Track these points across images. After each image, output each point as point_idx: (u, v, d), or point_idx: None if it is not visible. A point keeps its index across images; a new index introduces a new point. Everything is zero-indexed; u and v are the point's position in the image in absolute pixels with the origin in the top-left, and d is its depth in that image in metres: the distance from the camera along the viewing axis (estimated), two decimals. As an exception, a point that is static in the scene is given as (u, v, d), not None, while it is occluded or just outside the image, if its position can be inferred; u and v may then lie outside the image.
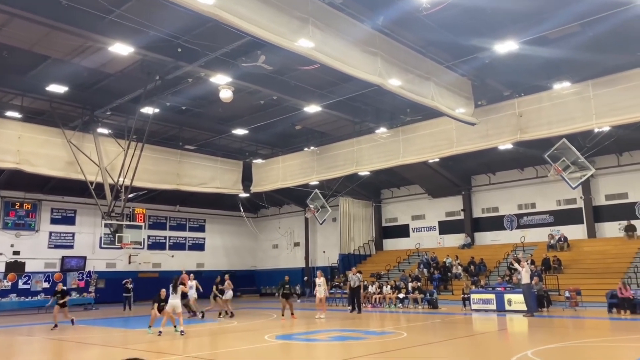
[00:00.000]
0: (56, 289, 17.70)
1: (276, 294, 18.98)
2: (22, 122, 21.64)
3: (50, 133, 22.36)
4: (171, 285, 14.86)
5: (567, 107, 18.63)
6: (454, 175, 29.71)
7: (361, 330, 15.16)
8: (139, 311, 23.99)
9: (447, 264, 27.65)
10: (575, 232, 26.46)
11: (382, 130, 23.65)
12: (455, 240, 30.61)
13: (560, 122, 18.71)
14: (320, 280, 19.62)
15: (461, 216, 30.69)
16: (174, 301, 14.57)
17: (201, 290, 20.18)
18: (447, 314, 19.71)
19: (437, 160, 24.87)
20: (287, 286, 18.93)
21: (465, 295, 21.54)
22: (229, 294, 19.81)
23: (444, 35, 15.75)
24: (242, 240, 39.91)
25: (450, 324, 16.80)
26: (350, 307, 21.37)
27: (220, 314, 19.91)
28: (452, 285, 26.14)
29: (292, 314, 18.58)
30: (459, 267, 27.14)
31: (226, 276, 20.50)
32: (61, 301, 17.16)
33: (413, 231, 32.98)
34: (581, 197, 26.30)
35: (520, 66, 18.15)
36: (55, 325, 16.77)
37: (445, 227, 31.50)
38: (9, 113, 21.36)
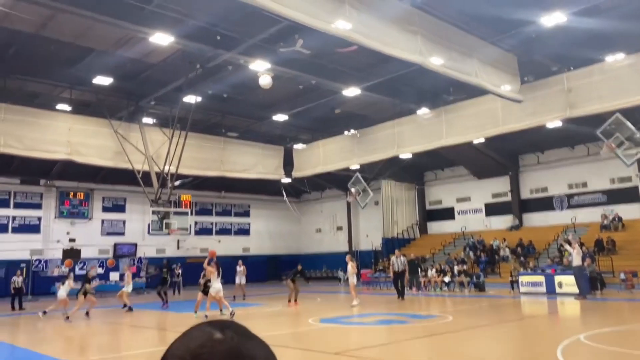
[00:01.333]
0: (89, 274, 16.66)
1: (286, 280, 19.52)
2: (72, 114, 22.43)
3: (98, 124, 23.08)
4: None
5: (621, 80, 17.63)
6: (500, 156, 28.86)
7: (406, 313, 15.03)
8: (187, 295, 24.67)
9: (495, 247, 27.03)
10: (630, 211, 25.23)
11: (424, 110, 23.16)
12: (503, 222, 29.84)
13: (613, 96, 17.74)
14: (349, 265, 18.21)
15: (508, 197, 29.86)
16: (217, 285, 14.81)
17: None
18: (494, 297, 19.29)
19: (482, 140, 24.15)
20: (298, 275, 19.18)
21: (514, 278, 20.99)
22: (243, 279, 22.21)
23: (486, 9, 15.14)
24: (286, 224, 40.30)
25: (498, 307, 16.43)
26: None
27: (234, 297, 20.98)
28: (500, 268, 25.54)
29: (296, 300, 18.74)
30: (507, 249, 26.49)
31: (239, 262, 22.64)
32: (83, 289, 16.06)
33: (458, 214, 32.36)
34: (637, 175, 25.02)
35: (568, 39, 17.25)
36: (68, 317, 15.49)
37: (492, 209, 30.74)
38: (59, 106, 22.16)
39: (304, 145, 29.85)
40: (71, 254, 29.30)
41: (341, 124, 27.39)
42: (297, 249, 40.43)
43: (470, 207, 31.85)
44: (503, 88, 17.98)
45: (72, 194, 30.10)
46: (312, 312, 15.71)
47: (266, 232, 39.31)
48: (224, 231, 37.05)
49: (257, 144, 28.96)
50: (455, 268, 23.72)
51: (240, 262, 22.81)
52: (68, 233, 29.74)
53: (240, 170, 28.22)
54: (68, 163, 23.50)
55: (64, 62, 18.92)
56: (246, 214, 38.64)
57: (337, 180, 34.48)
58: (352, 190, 28.66)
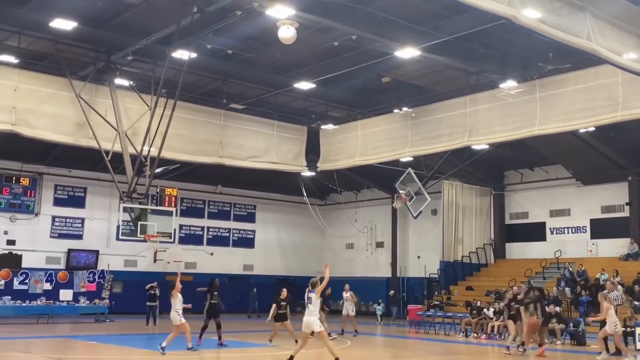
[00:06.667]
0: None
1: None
2: (19, 69, 22.76)
3: (55, 84, 23.43)
4: (308, 290, 13.99)
5: None
6: (616, 153, 28.43)
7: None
8: (166, 327, 24.93)
9: (602, 282, 26.72)
10: None
11: (509, 84, 22.97)
12: (616, 247, 29.46)
13: None
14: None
15: (625, 212, 29.44)
16: (311, 319, 13.70)
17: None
18: (599, 353, 19.08)
19: (592, 129, 23.87)
20: (282, 304, 19.15)
21: (628, 329, 20.73)
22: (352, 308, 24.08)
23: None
24: (305, 235, 40.44)
25: (604, 369, 16.20)
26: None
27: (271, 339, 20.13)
28: (608, 312, 25.22)
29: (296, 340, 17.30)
30: (619, 287, 26.15)
31: (346, 286, 24.25)
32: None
33: (551, 232, 32.09)
34: None
35: None
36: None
37: (601, 229, 30.35)
38: (2, 57, 22.53)
39: (335, 126, 29.83)
40: (9, 262, 29.77)
41: (390, 98, 27.27)
42: (319, 271, 40.44)
43: (570, 225, 31.50)
44: (626, 56, 17.69)
45: (13, 179, 30.55)
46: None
47: (277, 244, 39.52)
48: (218, 240, 37.38)
49: (270, 121, 29.06)
50: (545, 310, 23.49)
51: (347, 286, 24.25)
52: (6, 232, 30.24)
53: (246, 157, 28.35)
54: (10, 136, 23.85)
55: (12, -2, 19.25)
56: (250, 217, 38.89)
57: (380, 178, 34.36)
58: (401, 192, 28.56)
